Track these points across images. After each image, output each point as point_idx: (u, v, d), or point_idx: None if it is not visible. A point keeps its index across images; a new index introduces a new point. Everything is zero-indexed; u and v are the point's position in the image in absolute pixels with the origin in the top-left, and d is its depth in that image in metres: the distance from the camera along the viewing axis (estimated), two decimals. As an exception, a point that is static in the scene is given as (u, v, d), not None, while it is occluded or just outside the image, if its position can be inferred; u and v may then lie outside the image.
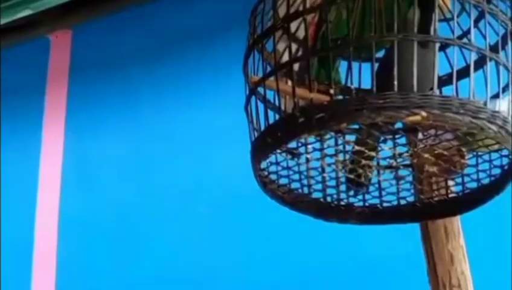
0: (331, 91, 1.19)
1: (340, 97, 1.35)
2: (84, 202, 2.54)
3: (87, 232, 2.51)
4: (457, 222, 1.48)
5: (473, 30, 1.25)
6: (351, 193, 1.36)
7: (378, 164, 1.36)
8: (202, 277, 2.32)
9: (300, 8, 1.26)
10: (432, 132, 1.30)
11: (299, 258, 2.20)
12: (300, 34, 1.35)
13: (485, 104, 1.20)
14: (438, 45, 1.27)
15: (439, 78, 1.38)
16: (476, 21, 1.30)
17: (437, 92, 1.23)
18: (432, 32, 1.24)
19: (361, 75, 1.44)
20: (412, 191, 1.39)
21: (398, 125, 1.36)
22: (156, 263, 2.39)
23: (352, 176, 1.33)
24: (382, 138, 1.31)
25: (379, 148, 1.33)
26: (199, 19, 2.60)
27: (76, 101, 2.69)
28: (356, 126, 1.27)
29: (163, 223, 2.43)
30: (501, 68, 1.25)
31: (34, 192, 2.63)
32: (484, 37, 1.26)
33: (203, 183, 2.40)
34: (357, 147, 1.29)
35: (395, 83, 1.16)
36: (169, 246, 2.40)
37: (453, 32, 1.28)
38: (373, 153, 1.32)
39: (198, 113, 2.50)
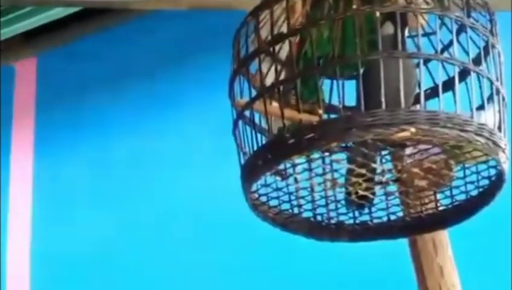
0: (320, 111, 1.20)
1: (326, 116, 1.35)
2: (56, 232, 2.51)
3: (60, 261, 2.48)
4: (445, 235, 1.49)
5: (455, 44, 1.26)
6: (355, 211, 1.36)
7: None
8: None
9: (283, 29, 1.26)
10: (420, 146, 1.30)
11: (285, 281, 2.20)
12: (283, 53, 1.35)
13: (472, 116, 1.21)
14: (422, 60, 1.28)
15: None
16: (457, 34, 1.31)
17: (423, 107, 1.23)
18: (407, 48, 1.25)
19: (344, 93, 1.44)
20: (402, 206, 1.39)
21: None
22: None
23: (353, 197, 1.33)
24: (376, 156, 1.32)
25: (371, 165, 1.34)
26: (169, 41, 2.59)
27: (44, 129, 2.67)
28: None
29: (138, 250, 2.41)
30: (484, 80, 1.26)
31: (5, 224, 2.59)
32: (466, 50, 1.26)
33: (179, 208, 2.39)
34: (354, 167, 1.29)
35: (383, 100, 1.17)
36: (145, 273, 2.38)
37: (434, 47, 1.29)
38: (371, 171, 1.32)
39: (165, 138, 2.50)
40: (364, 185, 1.31)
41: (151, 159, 2.50)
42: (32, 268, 2.50)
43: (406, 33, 1.31)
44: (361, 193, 1.32)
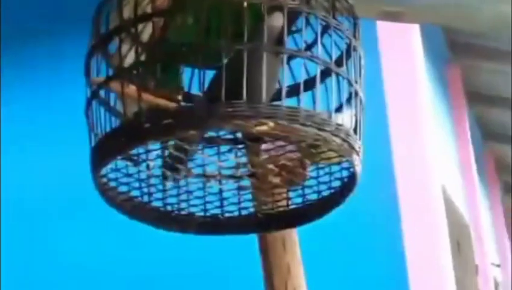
0: (179, 97, 1.16)
1: (184, 104, 1.32)
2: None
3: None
4: (294, 234, 1.49)
5: (319, 43, 1.26)
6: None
7: (220, 173, 1.34)
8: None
9: (148, 11, 1.21)
10: (277, 143, 1.29)
11: (129, 265, 2.16)
12: (144, 36, 1.31)
13: (330, 116, 1.20)
14: (285, 57, 1.27)
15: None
16: (321, 35, 1.31)
17: (284, 103, 1.22)
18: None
19: (204, 82, 1.41)
20: (254, 201, 1.38)
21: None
22: None
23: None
24: (226, 147, 1.30)
25: (222, 157, 1.31)
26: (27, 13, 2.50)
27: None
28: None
29: None
30: (343, 82, 1.26)
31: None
32: (328, 51, 1.26)
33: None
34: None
35: (244, 92, 1.14)
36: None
37: (297, 45, 1.28)
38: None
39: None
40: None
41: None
42: None
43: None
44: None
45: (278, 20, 1.23)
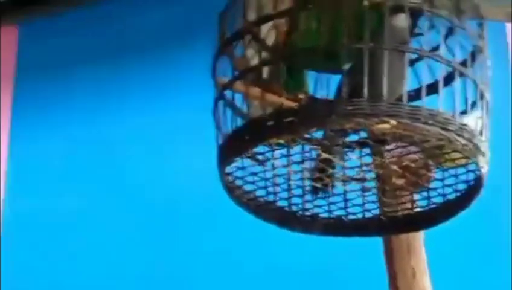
0: (301, 96, 1.18)
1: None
2: (28, 205, 2.49)
3: (30, 236, 2.46)
4: (420, 237, 1.48)
5: (442, 43, 1.25)
6: (314, 198, 1.34)
7: (344, 174, 1.35)
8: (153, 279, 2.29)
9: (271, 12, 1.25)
10: (400, 143, 1.29)
11: (257, 266, 2.19)
12: (269, 41, 1.34)
13: (454, 116, 1.19)
14: (407, 57, 1.27)
15: (408, 93, 1.38)
16: (445, 37, 1.30)
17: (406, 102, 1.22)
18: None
19: (329, 87, 1.43)
20: (378, 204, 1.38)
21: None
22: (100, 268, 2.36)
23: (317, 184, 1.31)
24: (350, 148, 1.31)
25: (346, 158, 1.32)
26: (149, 22, 2.59)
27: (23, 100, 2.65)
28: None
29: (109, 227, 2.40)
30: (469, 85, 1.25)
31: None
32: (453, 53, 1.26)
33: (152, 187, 2.38)
34: (323, 154, 1.28)
35: (365, 90, 1.15)
36: (117, 251, 2.37)
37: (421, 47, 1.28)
38: (337, 161, 1.31)
39: (144, 115, 2.49)
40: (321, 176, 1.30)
41: (127, 138, 2.49)
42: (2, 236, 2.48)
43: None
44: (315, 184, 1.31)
45: (400, 20, 1.24)
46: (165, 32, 2.58)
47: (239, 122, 1.23)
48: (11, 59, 2.71)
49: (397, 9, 1.22)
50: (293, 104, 1.20)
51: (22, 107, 2.64)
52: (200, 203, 2.29)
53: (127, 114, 2.53)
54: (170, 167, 2.40)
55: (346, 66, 1.35)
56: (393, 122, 1.14)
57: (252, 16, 1.26)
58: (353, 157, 1.33)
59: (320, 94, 1.38)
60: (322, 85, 1.37)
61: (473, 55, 1.28)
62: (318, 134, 1.29)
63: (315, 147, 1.31)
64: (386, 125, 1.14)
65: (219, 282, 2.24)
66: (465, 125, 1.20)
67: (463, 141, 1.19)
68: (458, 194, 1.34)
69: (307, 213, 1.36)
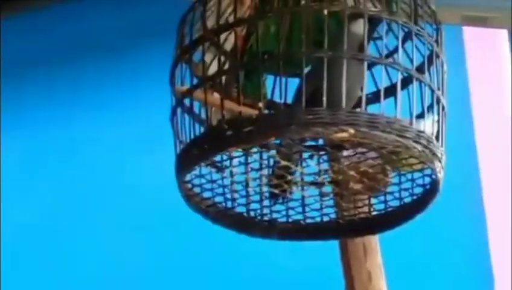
0: (260, 105, 1.18)
1: (267, 112, 1.34)
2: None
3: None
4: (375, 240, 1.49)
5: (400, 49, 1.26)
6: (272, 204, 1.35)
7: (302, 179, 1.36)
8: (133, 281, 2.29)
9: (230, 20, 1.24)
10: (358, 149, 1.30)
11: (217, 270, 2.19)
12: (228, 46, 1.34)
13: (411, 123, 1.21)
14: (366, 64, 1.28)
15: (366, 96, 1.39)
16: (403, 42, 1.31)
17: (364, 110, 1.22)
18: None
19: (287, 91, 1.43)
20: (336, 208, 1.39)
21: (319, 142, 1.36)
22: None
23: (275, 190, 1.32)
24: (308, 154, 1.31)
25: (304, 164, 1.33)
26: (126, 23, 2.58)
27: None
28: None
29: (90, 229, 2.39)
30: (425, 89, 1.26)
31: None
32: (410, 57, 1.27)
33: (127, 191, 2.38)
34: (282, 162, 1.28)
35: (324, 99, 1.16)
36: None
37: (379, 51, 1.28)
38: (295, 167, 1.31)
39: (109, 122, 2.48)
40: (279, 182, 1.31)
41: (94, 144, 2.47)
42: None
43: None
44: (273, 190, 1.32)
45: (359, 27, 1.24)
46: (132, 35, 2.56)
47: (198, 129, 1.23)
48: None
49: (357, 16, 1.23)
50: (251, 112, 1.19)
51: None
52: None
53: (102, 112, 2.51)
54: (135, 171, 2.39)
55: (305, 70, 1.36)
56: (352, 131, 1.15)
57: (211, 21, 1.26)
58: (311, 163, 1.33)
59: (279, 97, 1.38)
60: (281, 87, 1.37)
61: (430, 60, 1.29)
62: (276, 141, 1.29)
63: (273, 154, 1.31)
64: (344, 134, 1.15)
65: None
66: (422, 132, 1.22)
67: (420, 148, 1.20)
68: (414, 197, 1.35)
69: (265, 218, 1.36)
